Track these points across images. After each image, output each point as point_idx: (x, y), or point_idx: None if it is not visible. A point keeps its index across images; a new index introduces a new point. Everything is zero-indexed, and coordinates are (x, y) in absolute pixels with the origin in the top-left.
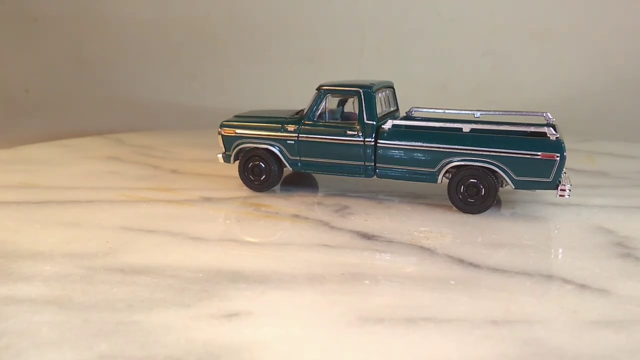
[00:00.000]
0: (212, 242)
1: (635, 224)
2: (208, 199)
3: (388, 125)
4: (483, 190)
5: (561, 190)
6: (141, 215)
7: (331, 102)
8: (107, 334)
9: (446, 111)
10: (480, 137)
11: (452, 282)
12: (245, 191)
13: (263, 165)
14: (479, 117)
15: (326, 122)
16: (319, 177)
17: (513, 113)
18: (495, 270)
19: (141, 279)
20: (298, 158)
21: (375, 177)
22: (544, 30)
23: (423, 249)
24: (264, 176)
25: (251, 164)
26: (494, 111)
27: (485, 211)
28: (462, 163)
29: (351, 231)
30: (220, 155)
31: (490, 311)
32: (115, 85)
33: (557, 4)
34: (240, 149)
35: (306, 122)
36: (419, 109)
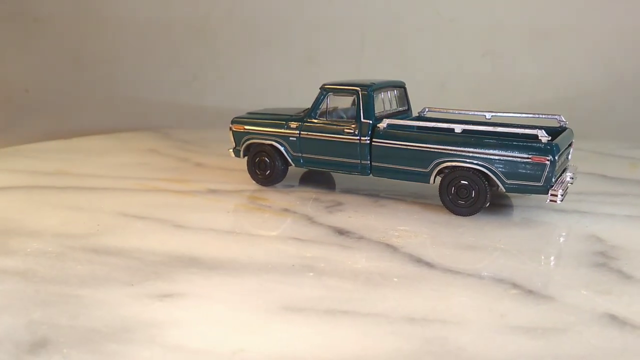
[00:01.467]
0: (191, 230)
1: (634, 236)
2: (213, 191)
3: (383, 124)
4: (473, 192)
5: (552, 195)
6: (143, 203)
7: (334, 101)
8: (47, 304)
9: (457, 112)
10: (470, 139)
11: (395, 280)
12: (252, 185)
13: (268, 161)
14: (489, 119)
15: (326, 120)
16: (336, 176)
17: (525, 115)
18: (448, 270)
19: (107, 259)
20: (300, 155)
21: (371, 175)
22: (544, 29)
23: (388, 246)
24: (268, 171)
25: (258, 159)
26: (505, 113)
27: (475, 213)
28: (453, 164)
29: (329, 227)
30: (231, 150)
31: (414, 309)
32: (115, 85)
33: (557, 4)
34: (249, 144)
35: (308, 120)
36: (432, 109)
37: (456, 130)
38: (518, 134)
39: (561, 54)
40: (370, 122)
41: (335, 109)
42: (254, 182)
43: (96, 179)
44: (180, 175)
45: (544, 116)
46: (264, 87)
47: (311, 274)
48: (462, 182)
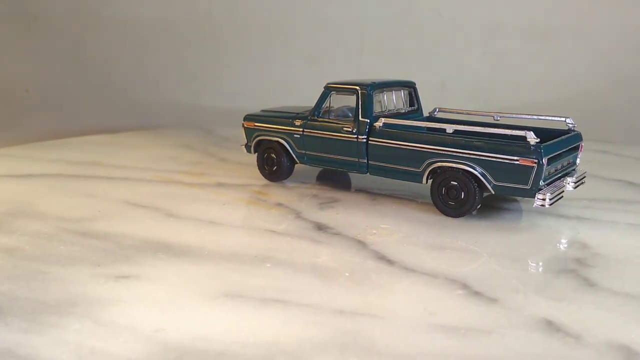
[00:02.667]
0: (180, 219)
1: (625, 245)
2: (221, 184)
3: (379, 123)
4: (463, 193)
5: (539, 199)
6: (150, 193)
7: (340, 100)
8: (17, 278)
9: (466, 112)
10: (460, 139)
11: (347, 274)
12: (261, 180)
13: (275, 157)
14: (498, 120)
15: (328, 118)
16: (352, 176)
17: (534, 117)
18: (405, 268)
19: (90, 242)
20: (304, 152)
21: (368, 174)
22: (544, 29)
23: (359, 243)
24: (275, 167)
25: (266, 155)
26: (512, 114)
27: (463, 215)
28: (444, 164)
29: (312, 222)
30: (243, 146)
31: (348, 303)
32: (115, 85)
33: (557, 4)
34: (259, 140)
35: (311, 118)
36: (442, 110)
37: (448, 131)
38: (507, 135)
39: (561, 54)
40: (368, 120)
41: (340, 107)
42: (263, 177)
43: (121, 170)
44: (199, 168)
45: (551, 118)
46: (264, 87)
47: (268, 265)
48: (452, 182)
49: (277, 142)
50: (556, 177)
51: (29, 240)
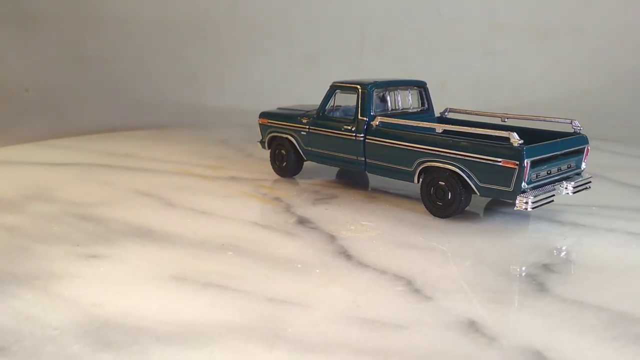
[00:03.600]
0: (177, 208)
1: (606, 254)
2: (234, 178)
3: (376, 122)
4: (450, 194)
5: (520, 202)
6: (161, 183)
7: (341, 99)
8: (3, 251)
9: (474, 113)
10: (448, 139)
11: (299, 266)
12: (272, 175)
13: (284, 153)
14: (505, 122)
15: (332, 117)
16: (371, 176)
17: (540, 119)
18: (360, 264)
19: (82, 224)
20: (310, 149)
21: (366, 171)
22: (544, 29)
23: (330, 237)
24: (284, 163)
25: (277, 151)
26: (517, 116)
27: (450, 216)
28: (432, 164)
29: (297, 216)
30: (259, 142)
31: (284, 291)
32: (115, 84)
33: (557, 3)
34: (272, 137)
35: (317, 116)
36: (453, 110)
37: (437, 131)
38: (493, 136)
39: (561, 53)
40: (366, 119)
41: (344, 106)
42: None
43: (149, 162)
44: (221, 163)
45: (557, 120)
46: (264, 87)
47: (230, 253)
48: (439, 183)
49: (287, 138)
50: (548, 180)
51: (32, 220)
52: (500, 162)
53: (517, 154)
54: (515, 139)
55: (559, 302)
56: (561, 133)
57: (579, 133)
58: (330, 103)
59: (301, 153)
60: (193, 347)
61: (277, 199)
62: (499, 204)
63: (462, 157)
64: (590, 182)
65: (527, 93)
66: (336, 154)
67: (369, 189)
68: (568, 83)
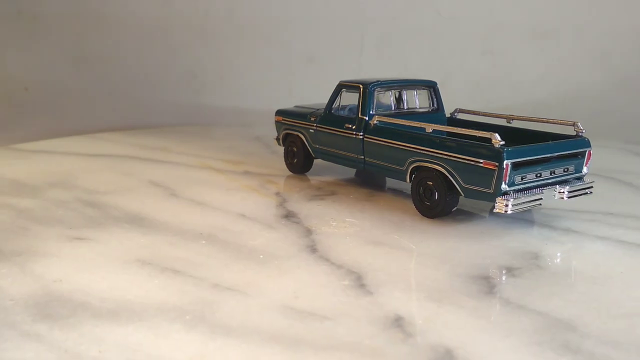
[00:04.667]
0: (178, 198)
1: (587, 263)
2: (247, 173)
3: (374, 121)
4: (437, 194)
5: (498, 204)
6: (177, 176)
7: (347, 98)
8: (5, 230)
9: (481, 114)
10: (433, 139)
11: (261, 257)
12: (285, 171)
13: (295, 150)
14: (510, 123)
15: (337, 115)
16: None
17: (543, 121)
18: (321, 258)
19: (85, 210)
20: (317, 146)
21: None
22: (544, 28)
23: (307, 231)
24: (295, 160)
25: (289, 148)
26: (523, 118)
27: (437, 216)
28: (421, 164)
29: (287, 210)
30: (275, 139)
31: (232, 279)
32: (115, 83)
33: (557, 3)
34: (286, 134)
35: (324, 114)
36: (463, 111)
37: (427, 130)
38: (476, 136)
39: (561, 53)
40: (366, 118)
41: (349, 105)
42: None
43: (177, 155)
44: (243, 158)
45: (561, 123)
46: (263, 87)
47: (204, 242)
48: (428, 182)
49: (297, 136)
50: (537, 183)
51: (43, 204)
52: (481, 162)
53: (497, 155)
54: (496, 139)
55: (501, 305)
56: (562, 135)
57: (581, 136)
58: (337, 102)
59: (310, 150)
60: (120, 323)
61: (277, 194)
62: None
63: (447, 157)
64: (591, 187)
65: (527, 92)
66: (339, 152)
67: (374, 187)
68: (568, 82)
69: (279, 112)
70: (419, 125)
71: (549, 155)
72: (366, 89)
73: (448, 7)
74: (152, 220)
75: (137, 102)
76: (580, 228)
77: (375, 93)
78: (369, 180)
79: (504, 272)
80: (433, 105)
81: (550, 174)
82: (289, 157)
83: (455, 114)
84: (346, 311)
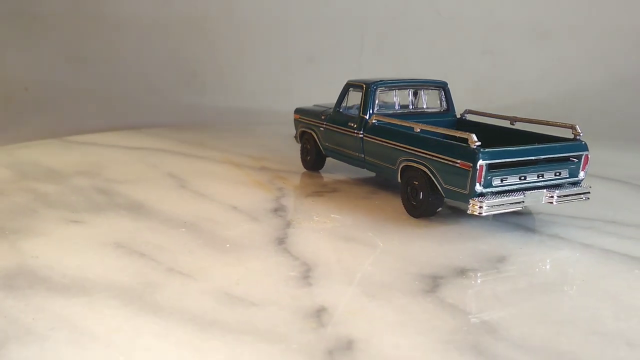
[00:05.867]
0: (185, 190)
1: (553, 272)
2: (263, 168)
3: (373, 120)
4: (421, 194)
5: (472, 205)
6: (197, 169)
7: (355, 97)
8: (17, 212)
9: (487, 115)
10: (420, 138)
11: (228, 246)
12: (300, 168)
13: (309, 148)
14: (513, 125)
15: (343, 114)
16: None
17: (543, 123)
18: (285, 250)
19: (95, 196)
20: (326, 144)
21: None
22: (543, 28)
23: (286, 225)
24: (309, 157)
25: (304, 145)
26: (526, 119)
27: (422, 216)
28: (408, 163)
29: (280, 205)
30: (294, 137)
31: (189, 265)
32: (115, 83)
33: (557, 3)
34: (301, 132)
35: (332, 113)
36: (472, 112)
37: (415, 130)
38: (456, 137)
39: (561, 53)
40: (366, 117)
41: (356, 104)
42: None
43: (208, 151)
44: (268, 155)
45: (560, 125)
46: (263, 86)
47: (183, 230)
48: (414, 182)
49: (310, 134)
50: (521, 186)
51: (61, 190)
52: (458, 163)
53: (471, 156)
54: (473, 140)
55: (433, 304)
56: (560, 138)
57: (578, 139)
58: (345, 101)
59: (321, 148)
60: (66, 296)
61: (280, 189)
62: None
63: (430, 157)
64: (587, 193)
65: (527, 92)
66: (344, 150)
67: (377, 186)
68: (568, 82)
69: (297, 111)
70: (408, 125)
71: (531, 158)
72: (368, 89)
73: (448, 7)
74: (149, 208)
75: (137, 102)
76: (569, 235)
77: (378, 93)
78: (378, 179)
79: (456, 273)
80: (443, 106)
81: (538, 177)
82: (303, 155)
83: (465, 115)
84: (277, 300)
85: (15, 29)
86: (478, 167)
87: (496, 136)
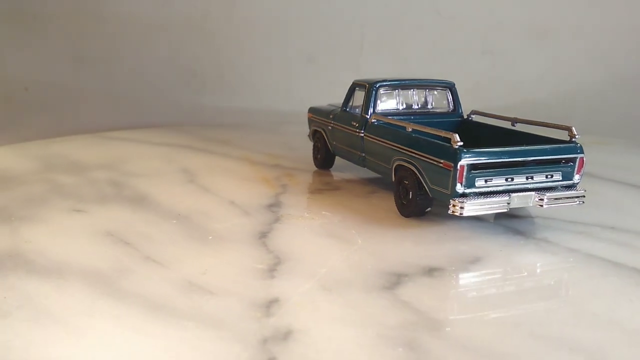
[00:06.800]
0: (192, 184)
1: (523, 274)
2: (276, 166)
3: (372, 119)
4: (410, 193)
5: (452, 205)
6: (210, 165)
7: (359, 96)
8: (30, 199)
9: (490, 116)
10: (409, 138)
11: (210, 237)
12: (312, 166)
13: (319, 146)
14: (514, 126)
15: (348, 113)
16: None
17: (542, 125)
18: (262, 244)
19: (106, 188)
20: (334, 143)
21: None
22: (543, 28)
23: (275, 220)
24: (319, 155)
25: (316, 143)
26: (526, 120)
27: (410, 216)
28: (399, 163)
29: (277, 201)
30: (308, 135)
31: (164, 255)
32: (115, 83)
33: (557, 3)
34: (313, 130)
35: (339, 112)
36: (477, 112)
37: (407, 129)
38: (441, 136)
39: (561, 53)
40: (367, 116)
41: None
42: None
43: (230, 148)
44: (285, 153)
45: (557, 127)
46: (263, 86)
47: (174, 221)
48: (405, 182)
49: (321, 132)
50: (506, 188)
51: (78, 182)
52: (441, 163)
53: (453, 156)
54: (455, 140)
55: (384, 300)
56: (557, 140)
57: (573, 142)
58: (351, 100)
59: (329, 147)
60: (40, 278)
61: (284, 185)
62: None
63: (418, 157)
64: (582, 196)
65: (527, 92)
66: (348, 148)
67: (380, 185)
68: (568, 82)
69: (310, 110)
70: (401, 125)
71: (517, 159)
72: (370, 88)
73: (448, 7)
74: (151, 200)
75: (136, 101)
76: (558, 239)
77: (380, 92)
78: (382, 179)
79: (424, 272)
80: (449, 107)
81: (527, 179)
82: (315, 153)
83: (472, 116)
84: (234, 290)
85: (16, 29)
86: (459, 167)
87: (502, 137)
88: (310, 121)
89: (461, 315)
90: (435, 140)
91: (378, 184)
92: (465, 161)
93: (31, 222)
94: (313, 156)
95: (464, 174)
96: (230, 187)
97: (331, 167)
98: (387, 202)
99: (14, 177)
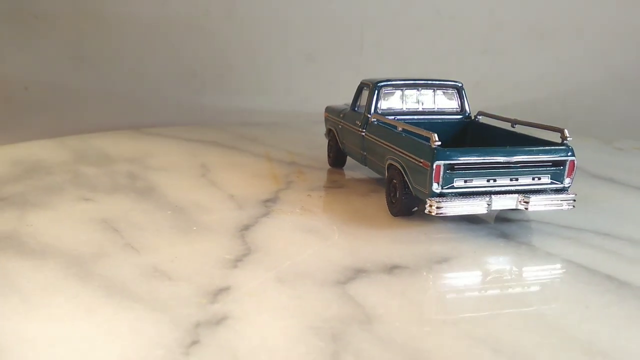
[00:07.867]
0: (203, 177)
1: (487, 277)
2: (292, 163)
3: (372, 119)
4: (398, 192)
5: (428, 205)
6: (226, 161)
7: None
8: (47, 187)
9: (493, 117)
10: (397, 137)
11: (194, 228)
12: (325, 164)
13: (332, 145)
14: (514, 127)
15: (355, 112)
16: None
17: (535, 125)
18: (240, 237)
19: (121, 179)
20: (343, 142)
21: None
22: (543, 27)
23: (264, 215)
24: (331, 154)
25: (330, 142)
26: (522, 122)
27: (398, 215)
28: (389, 162)
29: (276, 196)
30: (324, 134)
31: (146, 243)
32: (115, 83)
33: (557, 3)
34: (328, 129)
35: (348, 111)
36: (483, 113)
37: (398, 129)
38: (423, 135)
39: (561, 53)
40: (369, 115)
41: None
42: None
43: (255, 145)
44: (305, 151)
45: (551, 129)
46: (263, 86)
47: (169, 212)
48: (393, 180)
49: (333, 131)
50: (489, 189)
51: (98, 173)
52: (421, 162)
53: (430, 155)
54: (434, 139)
55: (332, 294)
56: (548, 142)
57: (565, 144)
58: (359, 100)
59: (340, 145)
60: (24, 259)
61: (289, 182)
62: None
63: (403, 156)
64: (571, 200)
65: (527, 92)
66: (353, 147)
67: (381, 185)
68: (568, 82)
69: (326, 109)
70: (393, 124)
71: (498, 159)
72: (373, 88)
73: (448, 6)
74: (159, 193)
75: (136, 101)
76: (541, 243)
77: (382, 92)
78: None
79: (384, 269)
80: (456, 107)
81: (511, 180)
82: (328, 151)
83: (478, 117)
84: (193, 277)
85: (16, 29)
86: (434, 166)
87: (506, 139)
88: (325, 120)
89: (399, 312)
90: (418, 140)
91: (382, 183)
92: (441, 161)
93: (41, 208)
94: (327, 155)
95: (440, 173)
96: (237, 181)
97: (343, 165)
98: (383, 201)
99: (46, 167)
